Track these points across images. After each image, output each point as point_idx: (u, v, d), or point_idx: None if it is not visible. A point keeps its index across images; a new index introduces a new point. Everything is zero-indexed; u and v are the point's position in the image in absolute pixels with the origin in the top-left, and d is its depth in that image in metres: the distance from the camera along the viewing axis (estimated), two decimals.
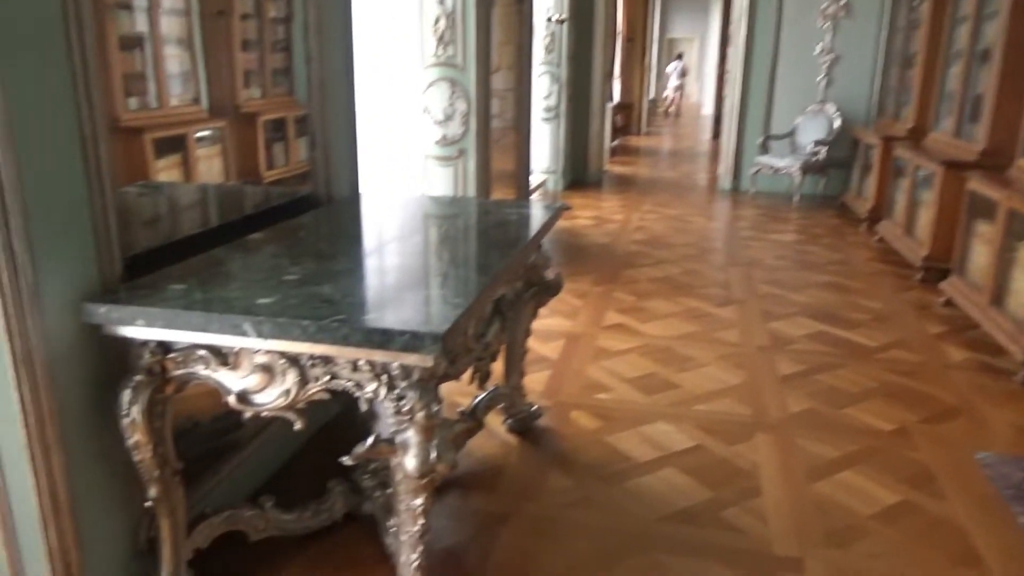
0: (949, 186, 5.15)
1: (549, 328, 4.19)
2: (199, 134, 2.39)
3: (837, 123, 8.18)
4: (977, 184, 4.62)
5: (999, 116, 4.97)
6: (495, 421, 3.05)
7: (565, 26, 8.11)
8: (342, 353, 1.63)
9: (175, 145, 2.28)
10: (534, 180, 7.95)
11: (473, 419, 2.63)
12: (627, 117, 14.22)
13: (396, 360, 1.61)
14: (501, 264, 2.12)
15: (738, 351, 4.02)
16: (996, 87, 4.97)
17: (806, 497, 2.67)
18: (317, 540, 2.30)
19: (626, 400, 3.38)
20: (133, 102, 2.10)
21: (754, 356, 3.96)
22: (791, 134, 8.50)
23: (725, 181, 9.03)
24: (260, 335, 1.62)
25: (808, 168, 8.02)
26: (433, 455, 1.65)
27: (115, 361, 1.81)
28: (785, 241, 6.62)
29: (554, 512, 2.53)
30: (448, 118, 5.03)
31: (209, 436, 2.27)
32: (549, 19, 7.83)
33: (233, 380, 1.74)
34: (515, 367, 3.01)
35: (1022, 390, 3.65)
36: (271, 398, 1.73)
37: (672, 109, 21.54)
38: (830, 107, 8.29)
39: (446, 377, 1.89)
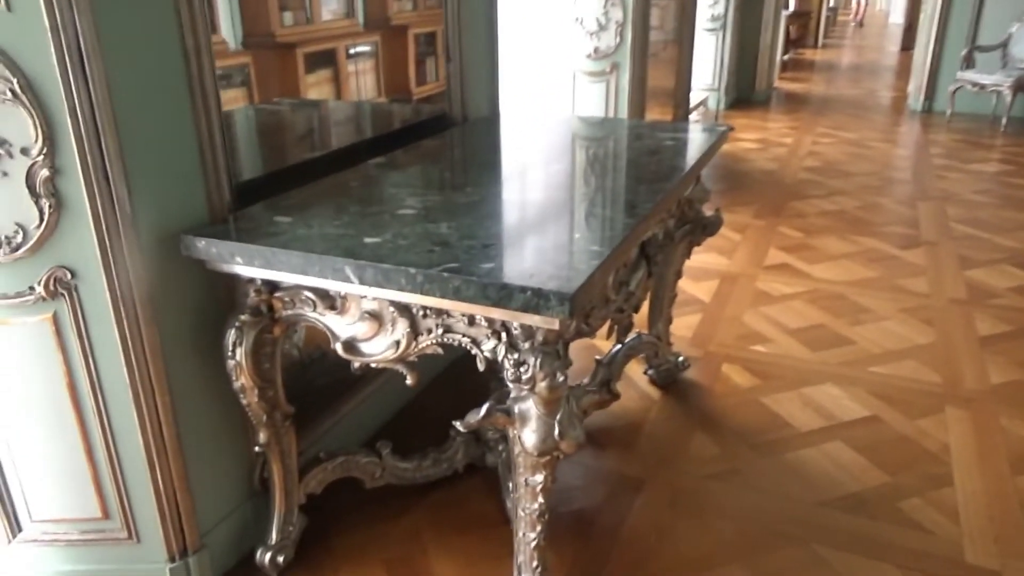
0: None
1: (702, 265, 3.80)
2: (352, 49, 2.25)
3: None
4: None
5: None
6: (636, 370, 2.76)
7: None
8: (455, 307, 1.39)
9: (326, 60, 2.16)
10: (693, 98, 7.33)
11: (608, 377, 2.34)
12: (803, 28, 12.87)
13: (517, 320, 1.35)
14: (651, 203, 1.79)
15: (927, 304, 3.45)
16: None
17: (1009, 493, 2.21)
18: (437, 490, 2.16)
19: (788, 355, 2.97)
20: (288, 17, 1.94)
21: (946, 311, 3.38)
22: (1004, 45, 7.26)
23: (916, 100, 7.93)
24: (362, 281, 1.40)
25: (1022, 86, 6.84)
26: (556, 431, 1.40)
27: (222, 298, 1.67)
28: (989, 172, 5.69)
29: (696, 484, 2.23)
30: (602, 28, 4.59)
31: (328, 371, 2.15)
32: None
33: (341, 326, 1.56)
34: (661, 313, 2.68)
35: None
36: (380, 348, 1.53)
37: (858, 19, 19.48)
38: None
39: (579, 335, 1.62)
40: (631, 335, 2.46)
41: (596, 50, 4.61)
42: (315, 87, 2.15)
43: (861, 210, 4.76)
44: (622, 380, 2.63)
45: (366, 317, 1.52)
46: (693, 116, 7.42)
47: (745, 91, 8.47)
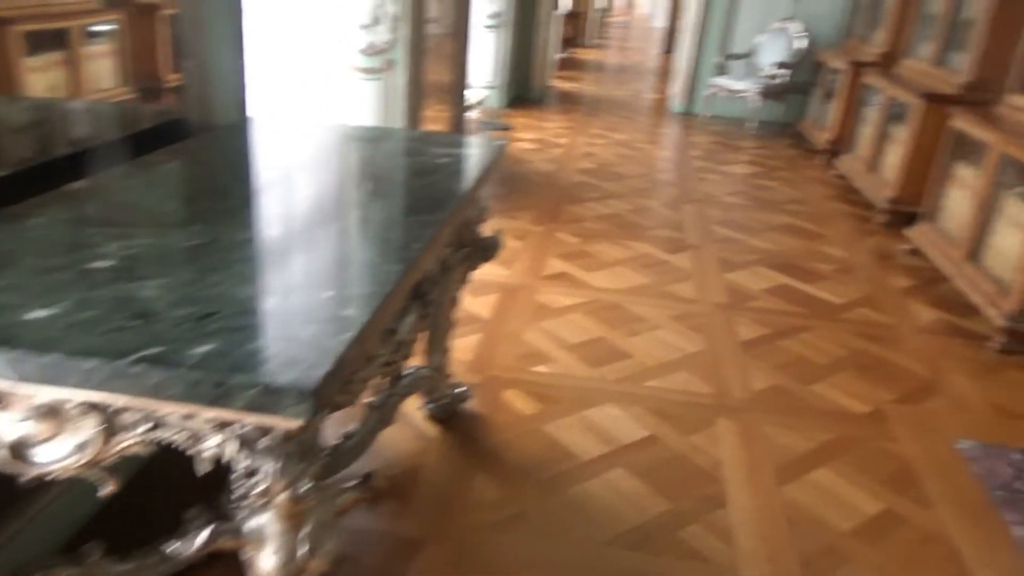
0: (929, 122, 4.73)
1: (482, 278, 3.64)
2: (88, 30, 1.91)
3: (801, 44, 7.64)
4: (964, 122, 4.19)
5: (991, 45, 4.52)
6: (411, 407, 2.54)
7: None
8: (158, 407, 1.07)
9: (54, 42, 1.81)
10: (473, 96, 7.24)
11: (370, 472, 2.06)
12: (575, 28, 13.35)
13: (244, 419, 1.06)
14: (423, 242, 1.56)
15: (695, 309, 3.58)
16: (991, 11, 4.49)
17: (776, 507, 2.27)
18: None
19: (569, 374, 2.91)
20: None
21: (712, 316, 3.52)
22: (751, 54, 7.94)
23: (678, 102, 8.46)
24: (22, 378, 1.04)
25: (768, 92, 7.51)
26: (303, 549, 1.13)
27: None
28: (741, 174, 6.16)
29: (480, 536, 2.06)
30: (376, 22, 4.29)
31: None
32: None
33: (5, 424, 1.17)
34: (438, 345, 2.48)
35: (998, 360, 3.34)
36: (61, 454, 1.17)
37: (623, 19, 20.81)
38: (795, 25, 7.72)
39: (336, 409, 1.35)
40: (407, 369, 2.24)
41: (370, 45, 4.30)
42: (39, 76, 1.76)
43: (633, 214, 4.90)
44: (398, 421, 2.40)
45: (40, 413, 1.15)
46: (474, 113, 7.33)
47: (524, 89, 8.55)
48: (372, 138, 2.58)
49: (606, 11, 19.43)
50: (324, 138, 2.45)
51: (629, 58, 13.83)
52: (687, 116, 8.29)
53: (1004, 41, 4.41)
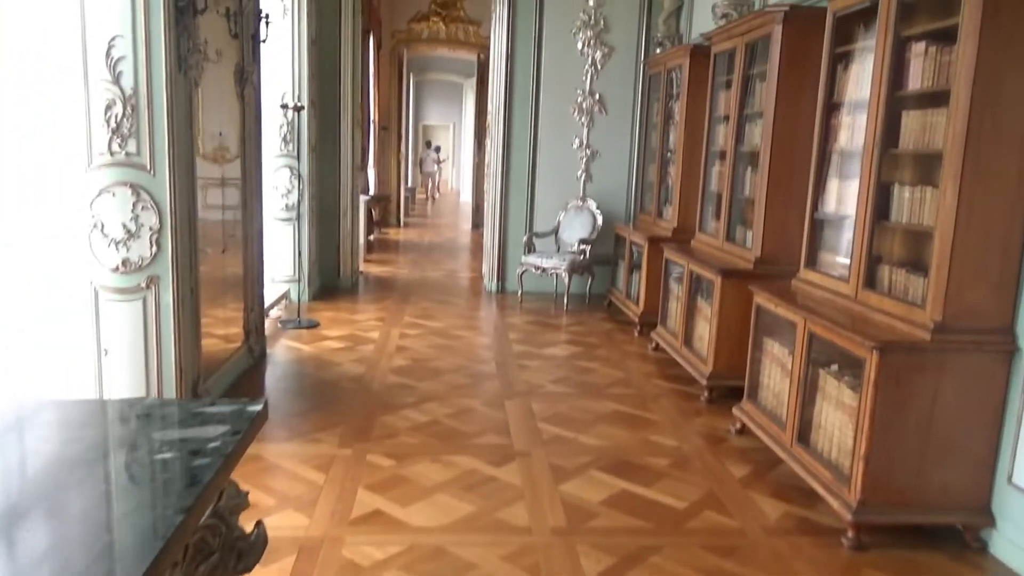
0: (729, 297, 4.77)
1: (275, 532, 2.96)
2: None
3: (599, 220, 7.91)
4: (764, 300, 4.21)
5: (772, 223, 4.72)
6: None
7: (304, 114, 7.08)
8: None
9: None
10: (273, 292, 6.70)
11: None
12: (384, 209, 13.38)
13: None
14: None
15: (530, 542, 3.09)
16: (766, 192, 4.71)
17: None
18: None
19: None
20: None
21: (551, 549, 3.04)
22: (555, 231, 8.10)
23: (491, 282, 8.38)
24: None
25: (575, 269, 7.60)
26: None
27: None
28: (562, 356, 5.96)
29: None
30: (131, 235, 3.72)
31: None
32: (284, 106, 6.74)
33: None
34: None
35: (851, 559, 3.09)
36: None
37: (433, 194, 21.68)
38: (591, 203, 8.02)
39: None
40: None
41: (126, 262, 3.70)
42: None
43: (453, 418, 4.45)
44: None
45: None
46: (275, 311, 6.76)
47: (331, 278, 8.13)
48: (74, 425, 1.89)
49: (415, 189, 19.99)
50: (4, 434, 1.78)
51: (441, 234, 13.98)
52: (502, 295, 8.21)
53: (785, 219, 4.69)
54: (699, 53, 6.30)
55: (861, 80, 3.79)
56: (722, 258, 5.20)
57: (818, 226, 4.15)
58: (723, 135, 5.54)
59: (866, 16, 3.72)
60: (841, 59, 3.99)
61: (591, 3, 7.97)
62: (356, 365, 5.44)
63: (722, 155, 5.50)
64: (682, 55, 6.55)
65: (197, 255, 4.06)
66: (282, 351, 5.75)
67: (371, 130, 12.24)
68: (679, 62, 6.66)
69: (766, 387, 4.21)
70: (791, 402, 3.79)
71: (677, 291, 5.77)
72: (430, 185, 22.79)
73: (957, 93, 3.01)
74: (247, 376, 5.10)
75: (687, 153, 6.43)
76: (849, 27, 3.90)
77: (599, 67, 8.09)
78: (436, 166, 22.54)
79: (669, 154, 7.15)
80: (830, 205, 4.09)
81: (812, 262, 4.14)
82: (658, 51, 7.73)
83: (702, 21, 6.93)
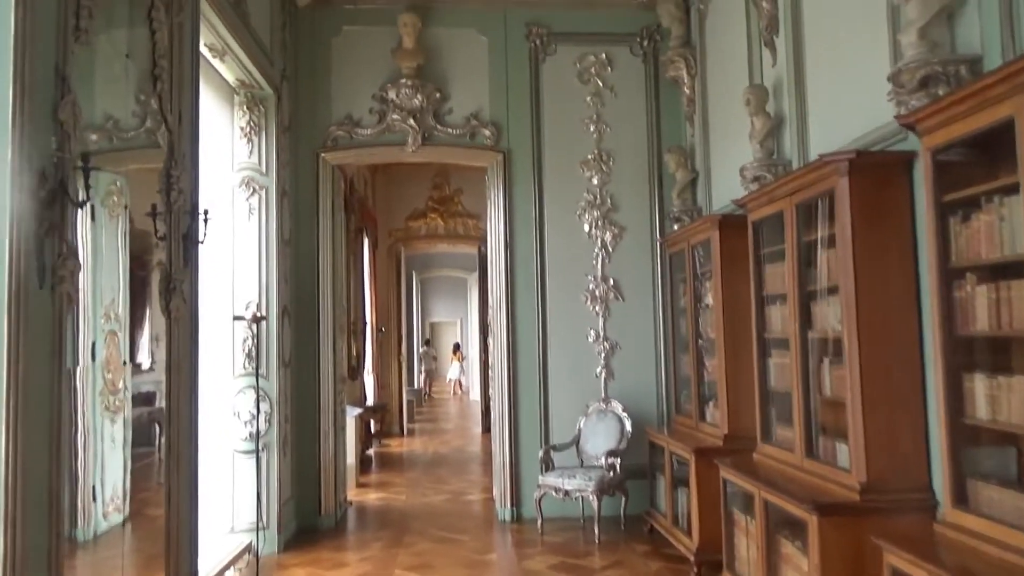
0: (832, 543, 3.38)
1: None
2: None
3: (628, 425, 6.61)
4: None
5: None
6: None
7: (272, 324, 6.05)
8: None
9: None
10: (228, 549, 5.30)
11: None
12: (383, 419, 12.11)
13: None
14: None
15: None
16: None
17: None
18: None
19: None
20: None
21: None
22: (576, 442, 6.77)
23: (503, 508, 6.91)
24: None
25: (604, 488, 6.19)
26: None
27: None
28: None
29: None
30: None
31: None
32: (239, 318, 5.71)
33: None
34: None
35: None
36: None
37: (430, 392, 20.94)
38: (616, 405, 6.76)
39: None
40: None
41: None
42: None
43: None
44: None
45: None
46: (231, 572, 5.31)
47: (310, 517, 6.70)
48: None
49: (420, 391, 18.84)
50: None
51: (448, 443, 12.54)
52: (518, 525, 6.72)
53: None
54: (729, 224, 5.34)
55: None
56: (808, 483, 3.84)
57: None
58: (779, 317, 4.40)
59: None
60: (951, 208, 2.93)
61: (595, 182, 7.21)
62: None
63: (783, 343, 4.33)
64: (709, 227, 5.58)
65: (61, 546, 2.76)
66: None
67: (367, 334, 11.30)
68: (706, 236, 5.68)
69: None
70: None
71: (744, 522, 4.35)
72: (451, 385, 22.03)
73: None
74: None
75: (730, 341, 5.27)
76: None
77: (610, 249, 7.18)
78: (434, 362, 21.70)
79: (703, 343, 6.00)
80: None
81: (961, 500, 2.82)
82: (676, 227, 6.84)
83: (725, 189, 6.05)
